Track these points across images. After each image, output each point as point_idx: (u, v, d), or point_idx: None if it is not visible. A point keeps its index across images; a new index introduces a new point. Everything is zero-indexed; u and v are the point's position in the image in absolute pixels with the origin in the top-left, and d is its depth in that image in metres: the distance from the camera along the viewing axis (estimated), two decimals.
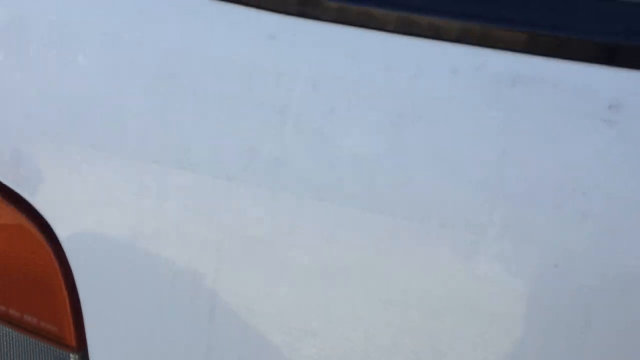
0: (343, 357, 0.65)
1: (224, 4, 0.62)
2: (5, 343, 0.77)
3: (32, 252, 0.72)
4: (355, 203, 0.61)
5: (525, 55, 0.56)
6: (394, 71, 0.59)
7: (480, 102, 0.57)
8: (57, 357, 0.75)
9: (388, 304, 0.62)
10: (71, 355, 0.74)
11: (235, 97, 0.63)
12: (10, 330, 0.77)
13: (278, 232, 0.63)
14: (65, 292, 0.72)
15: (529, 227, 0.57)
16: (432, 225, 0.59)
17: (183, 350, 0.70)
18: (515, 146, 0.56)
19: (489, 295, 0.59)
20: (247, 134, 0.63)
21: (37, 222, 0.71)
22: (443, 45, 0.58)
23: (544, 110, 0.56)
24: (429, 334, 0.61)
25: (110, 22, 0.66)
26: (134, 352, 0.73)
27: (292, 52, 0.61)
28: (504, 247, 0.58)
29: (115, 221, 0.69)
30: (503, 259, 0.58)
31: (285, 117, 0.62)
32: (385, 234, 0.60)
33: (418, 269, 0.61)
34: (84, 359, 0.74)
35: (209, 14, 0.63)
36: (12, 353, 0.78)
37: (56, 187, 0.70)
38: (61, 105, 0.68)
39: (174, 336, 0.70)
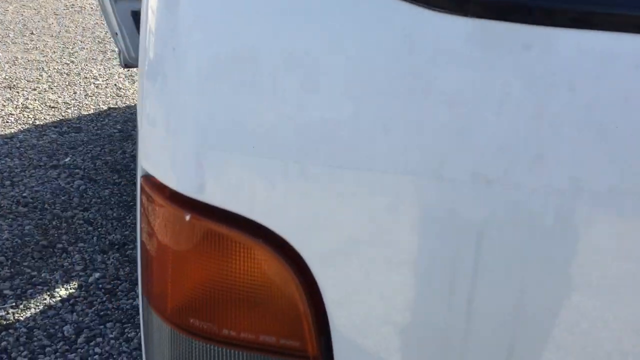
0: None
1: (476, 20, 0.65)
2: None
3: (274, 274, 0.74)
4: (618, 191, 0.67)
5: None
6: None
7: None
8: None
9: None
10: None
11: (490, 103, 0.67)
12: (239, 352, 0.78)
13: (543, 227, 0.69)
14: (308, 309, 0.74)
15: None
16: None
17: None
18: None
19: None
20: (504, 137, 0.67)
21: (276, 245, 0.73)
22: None
23: None
24: None
25: (351, 47, 0.67)
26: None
27: (548, 59, 0.65)
28: None
29: (364, 235, 0.72)
30: None
31: (542, 118, 0.66)
32: None
33: None
34: None
35: (459, 32, 0.66)
36: None
37: (299, 210, 0.72)
38: (302, 130, 0.69)
39: (425, 331, 0.75)
